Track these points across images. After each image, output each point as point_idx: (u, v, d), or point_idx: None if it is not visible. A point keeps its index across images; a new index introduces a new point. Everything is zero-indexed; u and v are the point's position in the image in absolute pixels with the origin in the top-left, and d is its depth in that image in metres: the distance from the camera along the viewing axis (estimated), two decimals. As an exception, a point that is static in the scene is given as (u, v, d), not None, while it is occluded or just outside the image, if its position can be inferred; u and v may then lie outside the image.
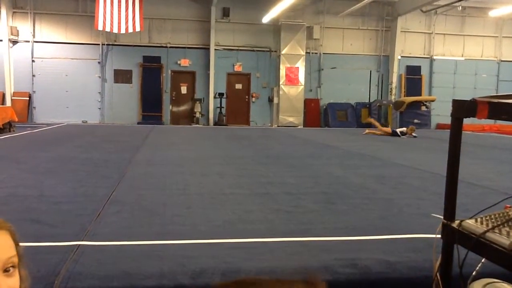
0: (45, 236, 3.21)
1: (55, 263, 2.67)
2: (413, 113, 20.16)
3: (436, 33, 22.08)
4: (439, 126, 21.23)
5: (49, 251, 2.90)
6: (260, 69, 21.01)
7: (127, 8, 17.79)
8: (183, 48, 20.31)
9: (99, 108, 19.93)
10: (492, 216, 2.01)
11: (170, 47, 20.19)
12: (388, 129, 14.94)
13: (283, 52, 20.37)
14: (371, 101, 21.24)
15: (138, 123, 19.67)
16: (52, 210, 3.99)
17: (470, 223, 1.94)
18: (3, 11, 18.38)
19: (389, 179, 6.12)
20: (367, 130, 15.39)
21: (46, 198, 4.47)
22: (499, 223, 1.90)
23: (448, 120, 2.08)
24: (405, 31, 21.71)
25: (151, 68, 20.09)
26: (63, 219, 3.70)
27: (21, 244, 1.20)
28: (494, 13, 19.83)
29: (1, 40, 18.66)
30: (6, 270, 1.12)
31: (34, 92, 19.40)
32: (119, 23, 17.75)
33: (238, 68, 20.81)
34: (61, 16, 19.32)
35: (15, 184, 5.13)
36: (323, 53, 21.40)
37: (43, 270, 2.56)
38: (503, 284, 2.04)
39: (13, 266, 1.14)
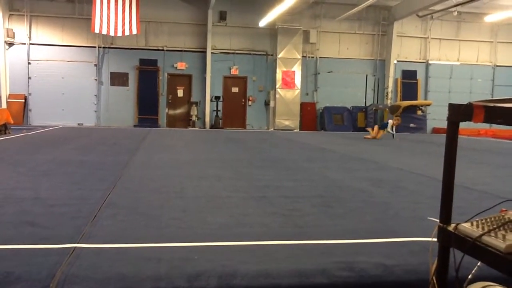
0: (40, 239, 3.20)
1: (51, 265, 2.66)
2: (409, 117, 20.24)
3: (432, 38, 22.19)
4: (435, 130, 21.32)
5: (44, 253, 2.89)
6: (257, 72, 21.04)
7: (124, 11, 17.79)
8: (179, 51, 20.32)
9: (95, 111, 19.89)
10: (488, 220, 2.02)
11: (167, 50, 20.20)
12: (379, 133, 15.04)
13: (279, 55, 20.41)
14: (367, 105, 21.31)
15: (135, 126, 19.64)
16: (47, 213, 3.98)
17: (466, 226, 1.95)
18: (0, 13, 18.34)
19: (385, 182, 6.14)
20: (366, 135, 15.44)
21: (41, 200, 4.46)
22: (494, 226, 1.91)
23: (443, 124, 2.09)
24: (401, 36, 21.81)
25: (148, 71, 20.07)
26: (59, 222, 3.68)
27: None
28: (489, 18, 19.95)
29: (-3, 42, 18.63)
30: None
31: (30, 94, 19.35)
32: (116, 26, 17.75)
33: (234, 71, 20.83)
34: (58, 19, 19.30)
35: (11, 187, 5.11)
36: (320, 57, 21.45)
37: (39, 272, 2.55)
38: (498, 287, 2.04)
39: None
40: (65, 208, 4.17)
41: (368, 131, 15.61)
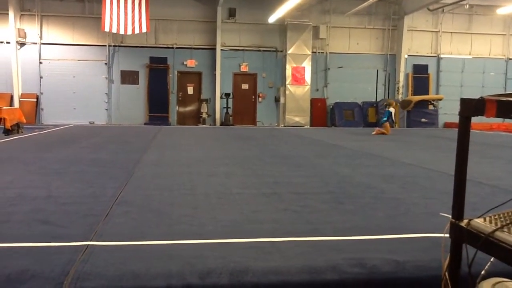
0: (54, 237, 3.23)
1: (64, 263, 2.69)
2: (421, 112, 20.09)
3: (443, 32, 21.96)
4: (447, 125, 21.13)
5: (58, 251, 2.92)
6: (266, 69, 21.01)
7: (133, 9, 17.86)
8: (189, 48, 20.36)
9: (106, 109, 20.03)
10: (501, 215, 2.00)
11: (177, 47, 20.25)
12: (388, 129, 14.90)
13: (289, 52, 20.35)
14: (378, 100, 21.18)
15: (145, 123, 19.75)
16: (60, 211, 4.02)
17: (478, 222, 1.93)
18: (11, 13, 18.52)
19: (396, 178, 6.10)
20: (376, 130, 15.23)
21: (54, 198, 4.50)
22: (508, 222, 1.89)
23: (455, 119, 2.07)
24: (412, 30, 21.62)
25: (158, 69, 20.15)
26: (72, 220, 3.72)
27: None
28: (501, 10, 19.68)
29: (9, 42, 18.82)
30: None
31: (41, 93, 19.54)
32: (126, 24, 17.83)
33: (244, 68, 20.82)
34: (68, 18, 19.44)
35: (24, 185, 5.17)
36: (330, 53, 21.36)
37: (53, 270, 2.58)
38: (512, 283, 2.02)
39: None
40: (77, 206, 4.21)
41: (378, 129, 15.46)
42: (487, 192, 5.20)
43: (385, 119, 15.05)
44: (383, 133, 14.63)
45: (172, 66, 20.31)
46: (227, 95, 20.18)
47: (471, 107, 1.95)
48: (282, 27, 20.58)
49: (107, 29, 17.82)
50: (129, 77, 20.12)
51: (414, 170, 6.96)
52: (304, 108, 20.68)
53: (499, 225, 1.86)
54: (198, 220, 3.80)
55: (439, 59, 22.10)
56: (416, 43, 21.87)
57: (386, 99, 20.85)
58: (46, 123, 19.00)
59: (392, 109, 15.09)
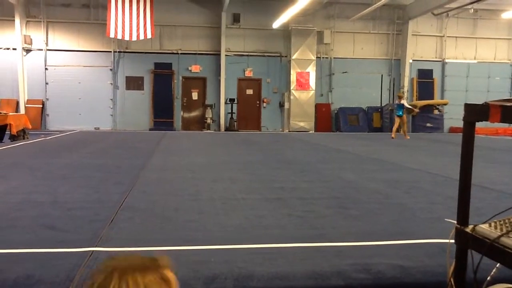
0: (59, 242, 3.24)
1: (69, 269, 2.70)
2: (426, 117, 20.03)
3: (448, 36, 21.91)
4: (452, 130, 21.05)
5: (63, 256, 2.93)
6: (271, 74, 21.03)
7: (138, 16, 17.95)
8: (194, 54, 20.42)
9: (111, 115, 20.10)
10: (507, 221, 1.99)
11: (181, 53, 20.32)
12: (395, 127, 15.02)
13: (293, 57, 20.37)
14: (382, 105, 21.14)
15: (150, 129, 19.79)
16: (65, 216, 4.03)
17: (484, 227, 1.92)
18: (17, 20, 18.65)
19: (401, 183, 6.08)
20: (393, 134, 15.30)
21: (59, 204, 4.52)
22: (513, 227, 1.88)
23: (461, 124, 2.07)
24: (416, 35, 21.59)
25: (163, 75, 20.22)
26: (77, 225, 3.73)
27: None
28: (506, 15, 19.63)
29: (15, 49, 18.94)
30: None
31: (47, 99, 19.64)
32: (131, 30, 17.92)
33: (248, 73, 20.85)
34: (73, 24, 19.56)
35: (29, 191, 5.20)
36: (334, 58, 21.35)
37: (58, 275, 2.59)
38: (518, 289, 2.01)
39: None
40: (83, 211, 4.22)
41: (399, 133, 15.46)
42: (493, 197, 5.18)
43: (400, 113, 15.10)
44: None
45: (177, 72, 20.37)
46: (232, 100, 20.21)
47: (475, 113, 1.95)
48: (286, 32, 20.61)
49: (112, 35, 17.90)
50: (134, 83, 20.20)
51: (419, 175, 6.94)
52: (308, 113, 20.66)
53: (504, 230, 1.85)
54: (202, 226, 3.80)
55: (444, 63, 22.05)
56: (420, 48, 21.84)
57: (391, 104, 20.81)
58: (52, 129, 19.08)
59: (403, 101, 15.13)
